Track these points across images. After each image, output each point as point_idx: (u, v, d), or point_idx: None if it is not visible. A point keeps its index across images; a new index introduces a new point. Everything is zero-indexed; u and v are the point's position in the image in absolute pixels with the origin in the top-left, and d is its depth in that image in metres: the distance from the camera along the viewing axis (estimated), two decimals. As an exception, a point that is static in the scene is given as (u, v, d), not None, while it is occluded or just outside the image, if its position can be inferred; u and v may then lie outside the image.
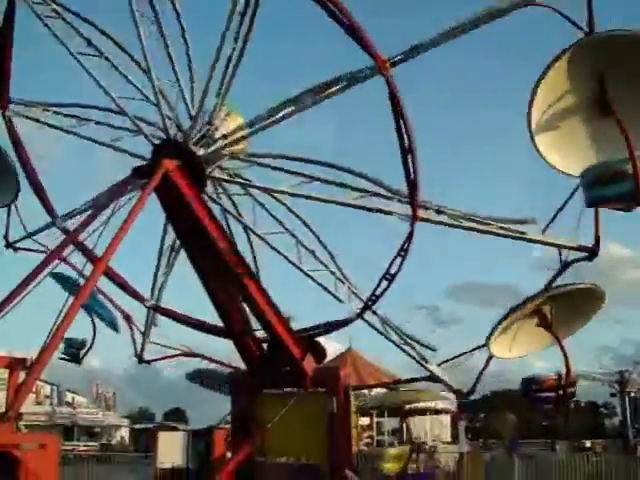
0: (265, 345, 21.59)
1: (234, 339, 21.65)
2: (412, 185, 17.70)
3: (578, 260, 17.84)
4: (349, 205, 18.42)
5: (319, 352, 21.95)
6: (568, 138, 15.95)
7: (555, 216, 18.52)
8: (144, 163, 18.47)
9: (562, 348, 19.16)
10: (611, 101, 14.99)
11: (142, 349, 23.99)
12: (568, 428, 65.73)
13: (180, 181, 17.68)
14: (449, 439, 46.02)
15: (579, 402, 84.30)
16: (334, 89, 16.85)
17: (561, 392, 19.51)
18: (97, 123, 20.45)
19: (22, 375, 16.32)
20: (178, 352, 24.08)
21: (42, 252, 21.28)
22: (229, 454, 21.59)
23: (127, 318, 23.08)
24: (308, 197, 19.14)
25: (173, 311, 23.60)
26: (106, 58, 18.98)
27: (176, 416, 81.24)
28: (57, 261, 19.85)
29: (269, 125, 17.75)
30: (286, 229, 22.24)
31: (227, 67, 17.50)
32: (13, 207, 21.83)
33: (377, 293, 21.25)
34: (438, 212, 18.87)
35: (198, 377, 25.94)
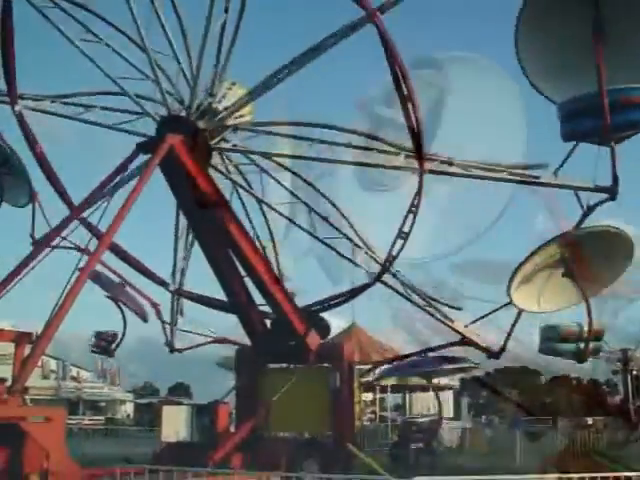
0: (269, 320, 21.70)
1: (238, 314, 21.76)
2: (416, 135, 17.29)
3: (600, 203, 17.02)
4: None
5: (323, 328, 22.06)
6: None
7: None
8: (148, 139, 18.49)
9: (586, 300, 17.95)
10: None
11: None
12: (570, 405, 65.93)
13: (184, 155, 17.66)
14: (452, 415, 46.25)
15: (581, 380, 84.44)
16: (329, 42, 16.96)
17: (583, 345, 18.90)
18: (103, 108, 20.36)
19: (28, 349, 16.41)
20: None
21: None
22: (233, 428, 21.78)
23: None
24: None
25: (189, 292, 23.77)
26: (106, 44, 18.93)
27: (180, 391, 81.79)
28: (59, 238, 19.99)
29: (270, 86, 17.82)
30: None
31: (222, 37, 17.61)
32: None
33: (394, 253, 19.90)
34: (449, 164, 18.46)
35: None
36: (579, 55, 15.96)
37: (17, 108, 19.82)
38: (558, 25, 16.10)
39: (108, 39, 19.21)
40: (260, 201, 21.93)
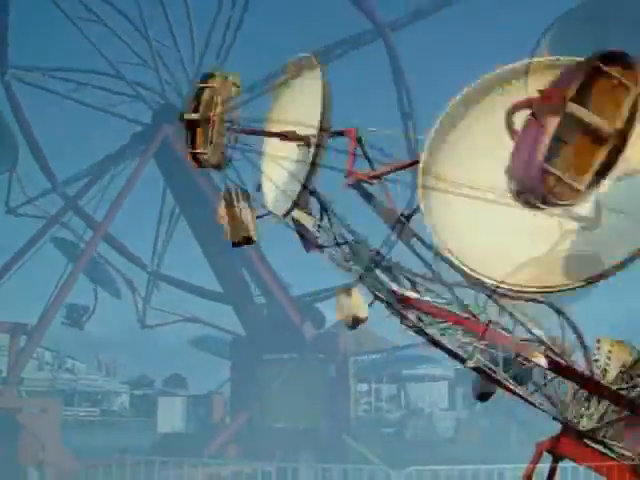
0: (265, 311, 21.68)
1: (234, 305, 21.74)
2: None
3: None
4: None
5: (318, 318, 22.06)
6: None
7: None
8: (143, 129, 18.49)
9: None
10: None
11: (144, 314, 23.56)
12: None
13: (179, 146, 17.61)
14: (446, 406, 46.28)
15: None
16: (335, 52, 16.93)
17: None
18: (95, 87, 20.15)
19: (23, 341, 16.37)
20: (179, 318, 23.72)
21: (42, 217, 21.17)
22: (228, 419, 21.81)
23: (129, 283, 22.48)
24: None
25: (172, 277, 23.48)
26: (105, 24, 18.82)
27: (175, 382, 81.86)
28: (57, 226, 19.98)
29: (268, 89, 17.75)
30: None
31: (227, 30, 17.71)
32: (14, 173, 21.71)
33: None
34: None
35: (202, 343, 26.31)
36: None
37: (7, 78, 20.05)
38: None
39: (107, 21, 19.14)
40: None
